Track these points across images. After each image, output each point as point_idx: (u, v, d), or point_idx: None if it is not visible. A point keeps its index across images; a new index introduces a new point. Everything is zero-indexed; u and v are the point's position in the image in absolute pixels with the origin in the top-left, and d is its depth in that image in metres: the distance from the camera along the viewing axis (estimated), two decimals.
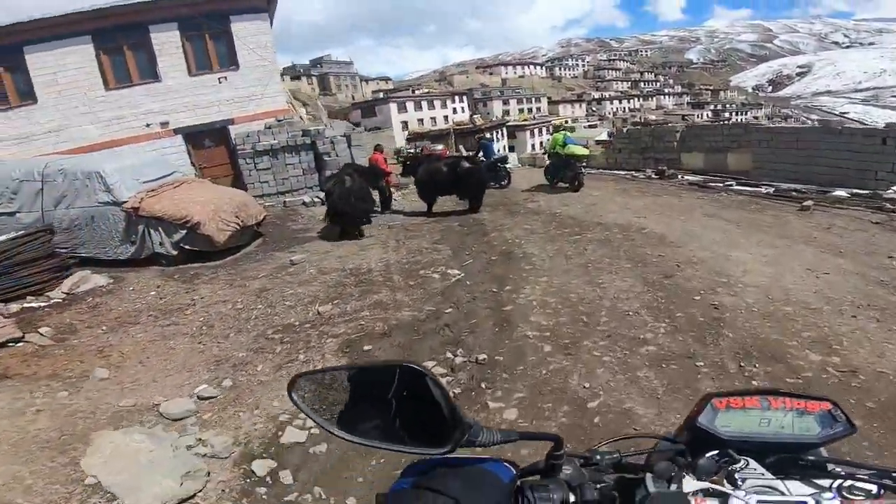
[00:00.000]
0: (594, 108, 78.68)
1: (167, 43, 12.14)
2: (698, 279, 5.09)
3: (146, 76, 12.22)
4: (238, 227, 8.23)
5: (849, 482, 0.61)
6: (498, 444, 0.64)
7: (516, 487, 0.64)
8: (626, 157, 13.63)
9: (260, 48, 12.56)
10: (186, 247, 7.89)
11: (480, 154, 13.41)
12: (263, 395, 3.62)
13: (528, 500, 0.61)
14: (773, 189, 9.38)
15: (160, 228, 7.85)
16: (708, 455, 0.66)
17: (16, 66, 11.48)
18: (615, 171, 13.63)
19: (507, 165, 12.78)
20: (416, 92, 58.75)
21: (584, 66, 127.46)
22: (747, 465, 0.65)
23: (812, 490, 0.62)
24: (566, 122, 14.77)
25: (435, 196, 10.23)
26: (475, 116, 54.42)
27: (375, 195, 10.05)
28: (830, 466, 0.65)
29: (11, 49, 11.31)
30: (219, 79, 12.50)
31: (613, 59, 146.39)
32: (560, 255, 6.41)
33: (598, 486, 0.65)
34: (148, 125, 12.22)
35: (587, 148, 12.45)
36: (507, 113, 60.02)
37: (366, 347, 4.38)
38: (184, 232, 7.79)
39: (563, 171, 11.50)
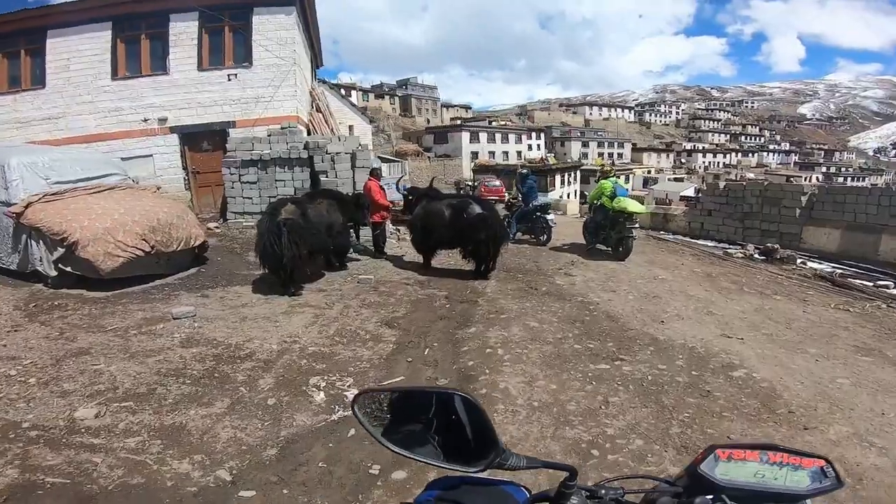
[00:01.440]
0: (683, 160, 72.06)
1: (183, 34, 11.01)
2: None
3: (157, 68, 11.10)
4: (144, 253, 6.32)
5: None
6: (523, 469, 0.73)
7: None
8: (719, 222, 9.98)
9: (278, 45, 10.92)
10: (67, 269, 5.93)
11: (517, 196, 10.57)
12: None
13: None
14: None
15: (41, 242, 6.10)
16: (700, 500, 0.72)
17: (37, 49, 10.89)
18: (699, 241, 10.06)
19: (550, 216, 9.76)
20: (493, 123, 57.31)
21: (678, 113, 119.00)
22: None
23: None
24: (606, 166, 10.78)
25: (431, 247, 7.51)
26: (549, 155, 51.61)
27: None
28: None
29: (36, 32, 10.77)
30: (228, 76, 11.02)
31: (712, 109, 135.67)
32: (554, 407, 3.35)
33: None
34: (145, 120, 10.99)
35: (641, 204, 9.13)
36: (585, 155, 56.50)
37: None
38: (62, 250, 5.84)
39: (606, 231, 8.43)
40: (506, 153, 48.66)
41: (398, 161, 34.88)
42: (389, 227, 9.48)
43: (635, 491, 0.78)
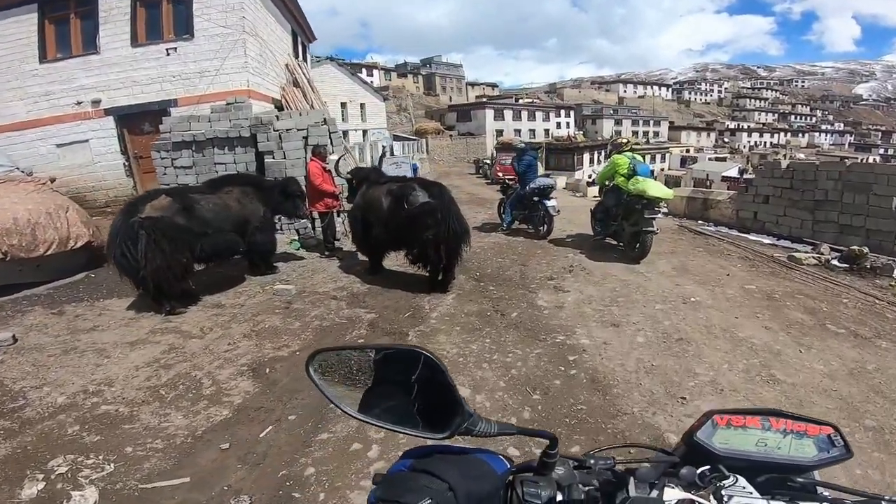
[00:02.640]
0: (726, 139, 66.44)
1: (114, 9, 9.59)
2: None
3: (88, 47, 9.63)
4: None
5: None
6: (495, 436, 0.66)
7: (509, 481, 0.65)
8: (778, 212, 7.49)
9: (223, 12, 9.19)
10: None
11: (514, 178, 8.43)
12: None
13: (517, 493, 0.63)
14: None
15: None
16: (700, 471, 0.65)
17: None
18: (750, 236, 7.63)
19: (551, 203, 7.60)
20: (519, 101, 54.38)
21: (720, 92, 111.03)
22: (736, 482, 0.64)
23: None
24: (627, 140, 6.84)
25: (371, 247, 5.61)
26: (578, 133, 48.35)
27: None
28: (819, 490, 0.65)
29: None
30: (167, 50, 9.45)
31: (759, 88, 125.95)
32: None
33: (587, 488, 0.66)
34: (79, 103, 9.64)
35: (671, 188, 6.75)
36: (618, 134, 52.72)
37: None
38: None
39: (619, 221, 6.37)
40: (532, 131, 46.15)
41: (415, 140, 33.00)
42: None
43: (627, 461, 0.69)
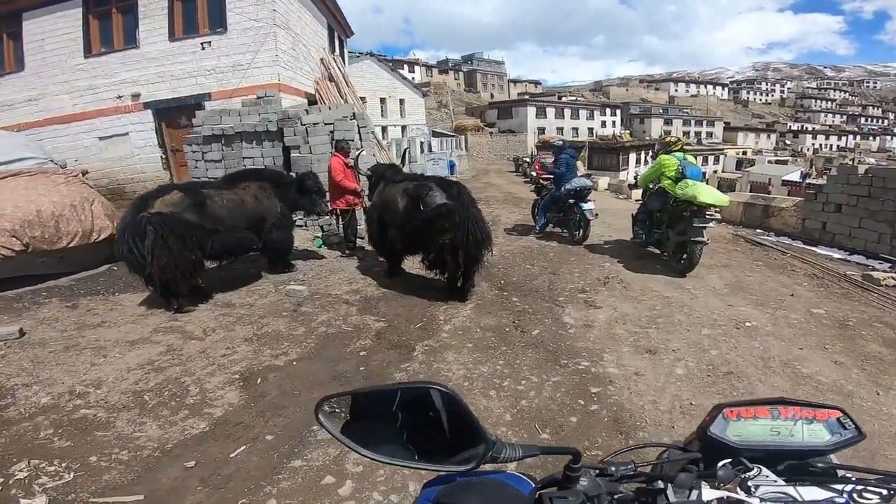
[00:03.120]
0: (787, 142, 61.92)
1: (153, 3, 9.72)
2: None
3: (129, 42, 9.90)
4: (15, 252, 5.19)
5: (860, 487, 0.61)
6: (520, 459, 0.66)
7: (536, 498, 0.65)
8: (852, 223, 6.50)
9: (254, 5, 9.15)
10: None
11: (549, 178, 7.87)
12: None
13: None
14: None
15: None
16: (722, 464, 0.65)
17: (15, 33, 10.22)
18: (817, 249, 6.72)
19: (588, 206, 7.00)
20: (562, 98, 52.94)
21: (782, 92, 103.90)
22: (760, 472, 0.64)
23: (824, 496, 0.62)
24: (677, 139, 6.11)
25: (388, 249, 5.28)
26: (624, 132, 46.50)
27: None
28: (841, 472, 0.66)
29: (12, 16, 10.11)
30: (202, 44, 9.53)
31: (825, 88, 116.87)
32: None
33: (615, 496, 0.66)
34: (119, 97, 9.91)
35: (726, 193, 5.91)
36: (667, 133, 50.32)
37: None
38: None
39: (663, 228, 5.74)
40: (575, 129, 44.74)
41: (454, 136, 32.71)
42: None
43: (647, 463, 0.70)
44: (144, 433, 2.72)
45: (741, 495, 0.61)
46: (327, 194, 6.40)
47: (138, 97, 9.70)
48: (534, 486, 0.68)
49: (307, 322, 4.38)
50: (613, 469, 0.67)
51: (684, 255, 5.34)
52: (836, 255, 6.24)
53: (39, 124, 10.08)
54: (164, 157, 10.03)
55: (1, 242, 5.01)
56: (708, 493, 0.63)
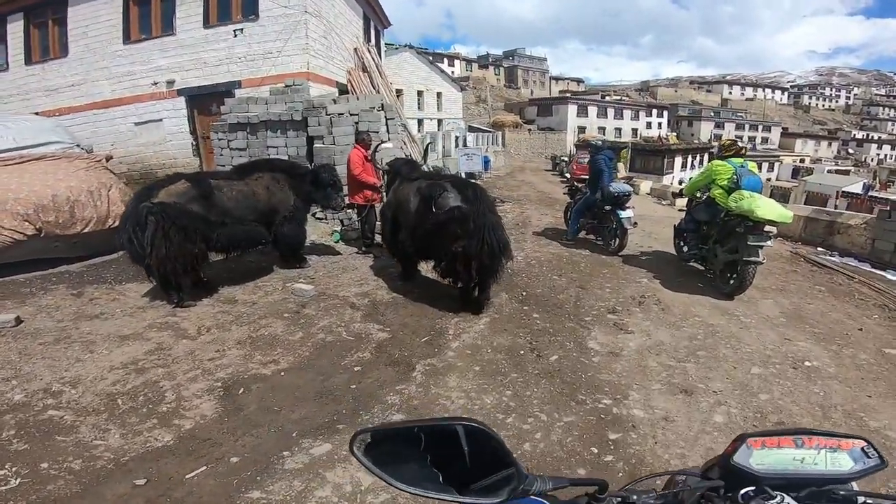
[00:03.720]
0: (850, 150, 57.36)
1: None
2: None
3: (167, 28, 9.95)
4: (27, 237, 5.17)
5: None
6: (550, 492, 0.67)
7: None
8: None
9: None
10: None
11: (576, 180, 7.29)
12: None
13: None
14: None
15: None
16: (744, 492, 0.66)
17: (61, 19, 10.46)
18: (884, 274, 5.84)
19: (626, 214, 6.37)
20: (606, 98, 51.22)
21: (848, 98, 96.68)
22: (783, 500, 0.65)
23: None
24: (734, 141, 5.40)
25: (401, 251, 4.91)
26: (670, 134, 44.51)
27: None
28: (861, 499, 0.66)
29: (59, 2, 10.32)
30: (234, 31, 9.43)
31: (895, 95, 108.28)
32: None
33: None
34: (155, 83, 10.03)
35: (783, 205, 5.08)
36: (718, 138, 47.79)
37: None
38: None
39: (710, 244, 5.11)
40: (618, 130, 43.18)
41: (491, 132, 32.07)
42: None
43: (668, 492, 0.73)
44: (105, 441, 2.55)
45: None
46: (345, 188, 6.12)
47: (173, 83, 9.77)
48: None
49: (307, 326, 4.09)
50: (635, 498, 0.69)
51: (734, 276, 4.68)
52: None
53: (80, 109, 10.35)
54: (194, 143, 10.08)
55: (14, 226, 4.99)
56: None
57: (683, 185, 6.02)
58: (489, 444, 0.64)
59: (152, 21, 9.83)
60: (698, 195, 5.50)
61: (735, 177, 4.71)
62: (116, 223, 5.93)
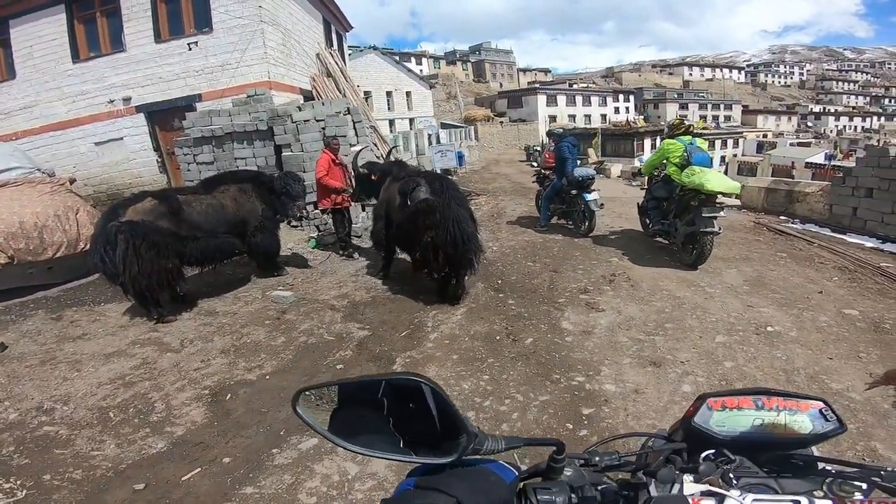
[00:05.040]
0: (809, 124, 59.65)
1: (136, 5, 9.44)
2: None
3: (116, 45, 9.70)
4: (1, 265, 5.18)
5: (839, 480, 0.61)
6: (502, 451, 0.66)
7: (519, 489, 0.65)
8: (882, 208, 5.91)
9: (240, 2, 8.87)
10: None
11: (544, 168, 7.45)
12: None
13: (530, 501, 0.62)
14: None
15: None
16: (704, 455, 0.66)
17: (4, 40, 10.08)
18: (843, 237, 6.18)
19: (591, 196, 6.57)
20: (574, 86, 51.83)
21: (801, 74, 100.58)
22: (741, 463, 0.65)
23: (804, 488, 0.62)
24: (681, 120, 5.95)
25: (388, 246, 5.11)
26: (638, 118, 45.36)
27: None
28: (821, 465, 0.66)
29: (1, 23, 9.93)
30: (188, 45, 9.27)
31: (846, 70, 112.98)
32: None
33: (599, 487, 0.66)
34: (111, 101, 9.75)
35: (719, 176, 4.92)
36: (683, 118, 48.95)
37: None
38: None
39: (669, 219, 5.33)
40: (587, 116, 44.13)
41: (464, 127, 32.17)
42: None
43: (630, 453, 0.71)
44: (101, 452, 2.62)
45: (723, 488, 0.60)
46: (308, 196, 6.11)
47: (129, 101, 9.52)
48: (517, 475, 0.67)
49: (288, 331, 4.12)
50: (597, 459, 0.68)
51: (694, 247, 4.92)
52: (868, 244, 5.69)
53: (36, 132, 10.01)
54: (159, 160, 9.87)
55: None
56: (690, 486, 0.63)
57: (641, 164, 6.25)
58: (438, 403, 0.63)
59: (100, 38, 9.55)
60: (656, 173, 5.71)
61: (686, 153, 4.93)
62: (87, 245, 5.85)
